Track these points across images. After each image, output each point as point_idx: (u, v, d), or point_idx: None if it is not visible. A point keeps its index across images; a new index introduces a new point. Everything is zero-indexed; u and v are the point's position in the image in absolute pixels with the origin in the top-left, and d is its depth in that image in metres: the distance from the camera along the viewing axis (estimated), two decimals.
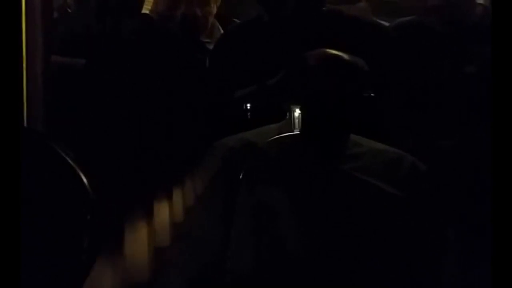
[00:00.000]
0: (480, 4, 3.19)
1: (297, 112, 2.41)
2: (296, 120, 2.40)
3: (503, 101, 1.80)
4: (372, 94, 2.32)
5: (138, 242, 2.63)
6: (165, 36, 3.10)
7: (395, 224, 2.28)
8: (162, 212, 2.71)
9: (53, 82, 2.39)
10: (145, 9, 3.27)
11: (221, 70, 3.00)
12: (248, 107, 2.85)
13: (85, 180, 1.84)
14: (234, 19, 3.64)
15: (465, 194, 2.78)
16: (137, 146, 2.85)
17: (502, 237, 1.73)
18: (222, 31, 3.49)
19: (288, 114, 2.42)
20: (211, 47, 3.30)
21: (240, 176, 2.31)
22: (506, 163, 1.76)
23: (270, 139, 2.40)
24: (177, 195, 2.73)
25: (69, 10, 3.33)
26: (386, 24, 3.29)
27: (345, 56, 2.31)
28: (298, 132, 2.37)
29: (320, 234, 2.25)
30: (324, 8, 3.03)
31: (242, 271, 2.25)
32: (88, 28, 3.06)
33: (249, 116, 2.84)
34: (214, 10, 3.49)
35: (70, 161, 1.84)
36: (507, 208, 1.74)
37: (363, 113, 2.32)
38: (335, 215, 2.26)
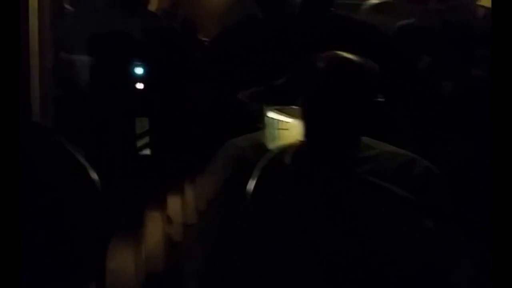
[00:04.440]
0: (482, 6, 3.20)
1: (270, 117, 2.37)
2: (270, 129, 2.36)
3: (503, 103, 1.82)
4: (382, 99, 2.31)
5: (148, 239, 2.64)
6: (169, 34, 3.12)
7: (407, 227, 2.27)
8: (172, 210, 2.72)
9: (63, 80, 2.41)
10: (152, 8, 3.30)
11: (215, 67, 3.01)
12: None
13: (94, 175, 1.86)
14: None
15: (473, 197, 2.77)
16: (147, 143, 2.86)
17: (504, 238, 1.75)
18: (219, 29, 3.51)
19: (261, 119, 2.40)
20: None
21: (252, 177, 2.30)
22: (507, 163, 1.78)
23: (281, 145, 2.39)
24: (188, 194, 2.74)
25: (70, 8, 3.34)
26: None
27: (356, 59, 2.30)
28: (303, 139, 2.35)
29: (332, 238, 2.24)
30: (329, 10, 3.04)
31: (250, 271, 2.25)
32: (96, 25, 3.08)
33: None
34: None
35: (78, 157, 1.87)
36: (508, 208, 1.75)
37: (374, 116, 2.31)
38: (348, 218, 2.25)
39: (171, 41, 3.05)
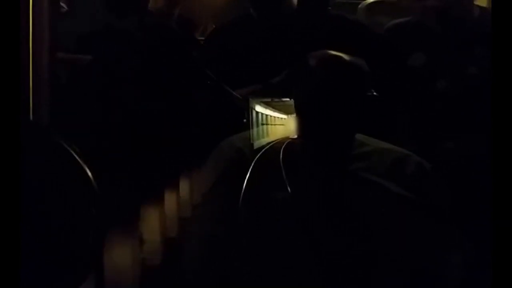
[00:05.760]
0: (477, 5, 3.20)
1: (256, 112, 2.34)
2: (255, 123, 2.33)
3: (503, 102, 1.82)
4: (374, 93, 2.33)
5: (157, 224, 2.64)
6: (166, 33, 3.12)
7: (401, 224, 2.28)
8: (166, 209, 2.72)
9: (59, 77, 2.41)
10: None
11: (209, 65, 3.01)
12: None
13: (90, 174, 1.86)
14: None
15: (469, 194, 2.78)
16: (142, 142, 2.86)
17: (503, 236, 1.75)
18: (213, 29, 3.51)
19: (246, 114, 2.38)
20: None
21: (247, 176, 2.31)
22: (507, 163, 1.78)
23: (273, 141, 2.39)
24: (182, 193, 2.74)
25: (66, 7, 3.33)
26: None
27: (346, 57, 2.32)
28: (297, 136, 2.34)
29: (327, 235, 2.24)
30: (325, 10, 3.05)
31: (246, 271, 2.25)
32: (92, 24, 3.08)
33: None
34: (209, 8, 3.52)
35: (75, 156, 1.86)
36: (508, 208, 1.75)
37: (367, 113, 2.32)
38: (343, 216, 2.26)
39: (170, 40, 3.05)
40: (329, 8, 3.08)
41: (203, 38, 3.43)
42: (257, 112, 2.37)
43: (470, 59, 3.05)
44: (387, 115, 2.72)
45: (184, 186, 2.70)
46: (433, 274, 2.30)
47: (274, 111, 2.40)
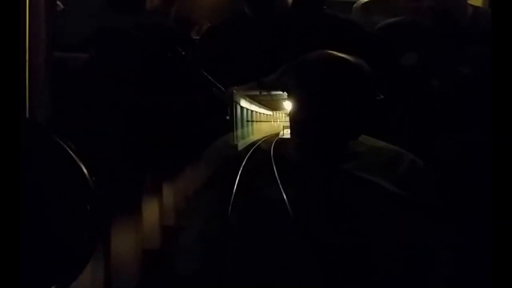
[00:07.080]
0: (471, 5, 3.21)
1: (241, 108, 2.33)
2: (239, 119, 2.31)
3: (501, 100, 1.82)
4: (381, 96, 2.33)
5: (134, 235, 2.64)
6: (163, 32, 3.12)
7: (396, 222, 2.29)
8: (160, 207, 2.72)
9: (55, 75, 2.40)
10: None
11: (204, 63, 3.01)
12: None
13: (85, 171, 1.85)
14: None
15: (463, 192, 2.79)
16: (136, 139, 2.85)
17: (501, 235, 1.74)
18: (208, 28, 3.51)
19: (229, 110, 2.37)
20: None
21: (239, 174, 2.32)
22: (505, 161, 1.78)
23: (261, 139, 2.40)
24: (177, 191, 2.74)
25: (62, 6, 3.32)
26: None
27: (346, 57, 2.32)
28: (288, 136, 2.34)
29: (321, 233, 2.25)
30: (320, 9, 3.05)
31: (240, 268, 2.25)
32: (89, 23, 3.07)
33: None
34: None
35: (71, 153, 1.85)
36: (507, 206, 1.75)
37: (366, 112, 2.33)
38: (338, 214, 2.27)
39: (166, 39, 3.05)
40: (324, 7, 3.08)
41: (198, 37, 3.43)
42: (241, 108, 2.35)
43: (464, 58, 3.06)
44: (384, 114, 2.73)
45: (168, 188, 2.69)
46: (426, 271, 2.31)
47: (260, 107, 2.39)
